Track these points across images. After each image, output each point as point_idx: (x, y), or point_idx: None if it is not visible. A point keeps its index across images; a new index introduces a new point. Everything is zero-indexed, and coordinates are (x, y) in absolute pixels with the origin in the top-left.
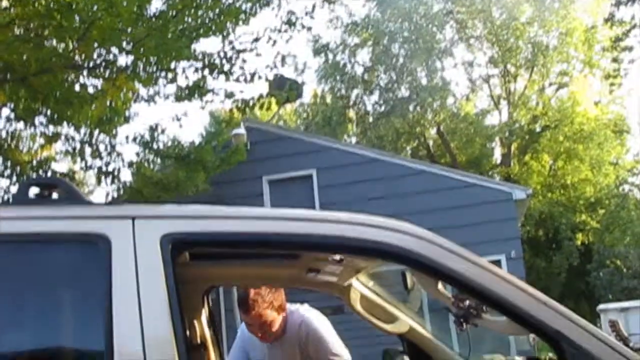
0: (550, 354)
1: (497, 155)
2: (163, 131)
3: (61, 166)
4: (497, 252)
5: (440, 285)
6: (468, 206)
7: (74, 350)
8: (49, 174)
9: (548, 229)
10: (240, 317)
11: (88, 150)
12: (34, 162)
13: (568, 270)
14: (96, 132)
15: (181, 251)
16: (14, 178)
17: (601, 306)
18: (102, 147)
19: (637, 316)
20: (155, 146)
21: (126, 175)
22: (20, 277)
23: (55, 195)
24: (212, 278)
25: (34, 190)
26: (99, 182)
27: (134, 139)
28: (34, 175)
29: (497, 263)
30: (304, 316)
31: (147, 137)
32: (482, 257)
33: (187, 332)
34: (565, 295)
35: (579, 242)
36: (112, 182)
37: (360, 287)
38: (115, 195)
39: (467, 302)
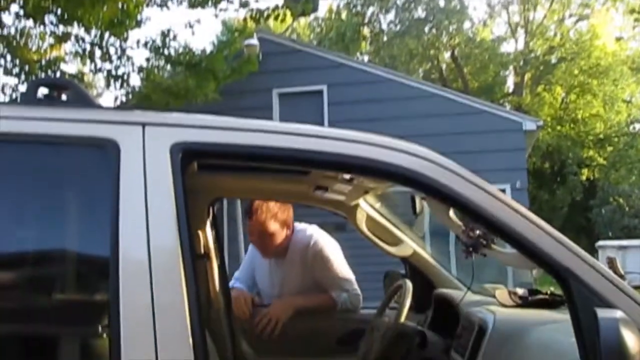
0: (552, 288)
1: (510, 84)
2: (175, 37)
3: (70, 67)
4: (502, 181)
5: (451, 213)
6: (477, 133)
7: (79, 255)
8: (58, 74)
9: (554, 162)
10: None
11: (98, 52)
12: (43, 62)
13: (570, 204)
14: (107, 34)
15: (191, 161)
16: (22, 77)
17: (600, 242)
18: (112, 51)
19: (634, 255)
20: (166, 52)
21: (135, 80)
22: (26, 178)
23: (64, 97)
24: (219, 189)
25: (42, 91)
26: (108, 85)
27: (145, 44)
28: (43, 75)
29: (502, 192)
30: (312, 236)
31: (158, 42)
32: None
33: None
34: (565, 229)
35: (583, 178)
36: (121, 86)
37: (367, 207)
38: (124, 99)
39: (478, 232)
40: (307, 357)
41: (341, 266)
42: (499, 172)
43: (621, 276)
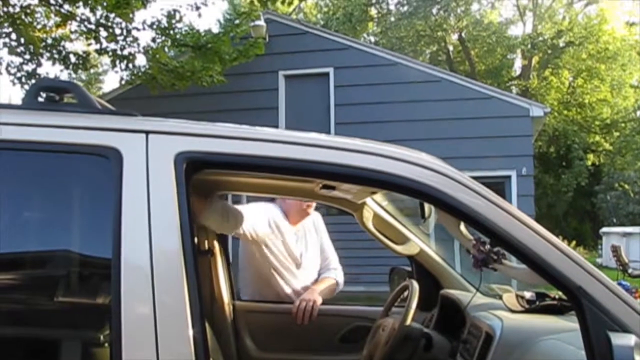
0: (560, 293)
1: (517, 68)
2: (181, 18)
3: (75, 46)
4: (508, 168)
5: (462, 226)
6: (484, 118)
7: (81, 266)
8: (63, 54)
9: (560, 146)
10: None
11: (103, 33)
12: (49, 40)
13: (575, 189)
14: (112, 15)
15: (196, 171)
16: (27, 55)
17: (604, 229)
18: (117, 31)
19: (638, 242)
20: (171, 33)
21: (141, 61)
22: (27, 187)
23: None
24: (224, 185)
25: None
26: (113, 66)
27: (151, 25)
28: (47, 55)
29: (508, 179)
30: (314, 213)
31: (164, 23)
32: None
33: (195, 239)
34: (569, 214)
35: (589, 163)
36: (127, 67)
37: (374, 205)
38: (129, 79)
39: (488, 247)
40: (310, 353)
41: (331, 244)
42: (505, 159)
43: (625, 264)
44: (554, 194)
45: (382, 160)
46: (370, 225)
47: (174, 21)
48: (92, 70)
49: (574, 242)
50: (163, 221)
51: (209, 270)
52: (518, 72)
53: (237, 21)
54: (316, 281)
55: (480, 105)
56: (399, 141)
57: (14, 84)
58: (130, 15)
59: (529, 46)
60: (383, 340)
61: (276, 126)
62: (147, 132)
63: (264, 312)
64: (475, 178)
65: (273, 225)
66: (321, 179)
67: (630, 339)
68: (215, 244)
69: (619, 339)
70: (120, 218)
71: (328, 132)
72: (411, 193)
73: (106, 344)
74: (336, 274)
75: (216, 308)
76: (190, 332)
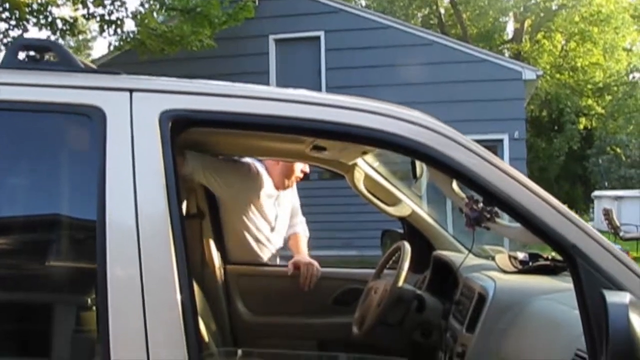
0: (553, 253)
1: (509, 31)
2: None
3: (62, 12)
4: (500, 131)
5: (454, 184)
6: (476, 82)
7: (65, 226)
8: (49, 19)
9: (552, 110)
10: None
11: None
12: (34, 6)
13: (567, 153)
14: None
15: (182, 130)
16: (13, 22)
17: (596, 192)
18: None
19: (630, 206)
20: None
21: (130, 26)
22: (7, 147)
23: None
24: (213, 147)
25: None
26: (101, 31)
27: None
28: (33, 20)
29: (500, 142)
30: None
31: None
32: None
33: (185, 201)
34: (561, 177)
35: (581, 127)
36: (115, 32)
37: (365, 166)
38: (117, 44)
39: (481, 205)
40: (303, 316)
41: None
42: (497, 122)
43: (617, 227)
44: (546, 158)
45: (374, 117)
46: (361, 187)
47: None
48: (80, 37)
49: (565, 206)
50: (148, 182)
51: (199, 233)
52: (510, 36)
53: None
54: (289, 239)
55: (472, 68)
56: None
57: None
58: None
59: (522, 9)
60: (375, 303)
61: None
62: (131, 90)
63: (256, 275)
64: None
65: (254, 180)
66: (311, 136)
67: (624, 297)
68: (206, 206)
69: (613, 297)
70: (104, 179)
71: None
72: (403, 150)
73: (93, 308)
74: (304, 228)
75: (207, 272)
76: (179, 297)
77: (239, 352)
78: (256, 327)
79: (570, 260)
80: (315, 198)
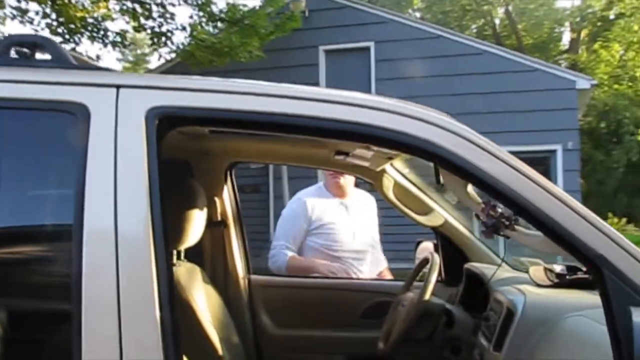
0: None
1: (566, 41)
2: None
3: (117, 25)
4: (553, 142)
5: (470, 188)
6: (528, 92)
7: (42, 227)
8: (102, 33)
9: (610, 121)
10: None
11: (140, 10)
12: (89, 20)
13: (626, 165)
14: None
15: (169, 128)
16: (67, 35)
17: None
18: (153, 7)
19: None
20: (209, 9)
21: (179, 38)
22: None
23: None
24: (235, 153)
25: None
26: (152, 43)
27: (186, 0)
28: (86, 34)
29: (553, 153)
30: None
31: None
32: (538, 146)
33: (206, 209)
34: (620, 190)
35: None
36: (165, 44)
37: (395, 173)
38: (168, 57)
39: (499, 210)
40: (330, 329)
41: None
42: (551, 133)
43: None
44: (604, 170)
45: (378, 114)
46: (391, 195)
47: None
48: (138, 51)
49: (624, 219)
50: (130, 184)
51: (222, 242)
52: (567, 46)
53: None
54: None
55: (524, 78)
56: None
57: None
58: None
59: (578, 19)
60: (402, 316)
61: None
62: (118, 87)
63: (281, 286)
64: (519, 152)
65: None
66: (311, 135)
67: None
68: (229, 214)
69: None
70: (84, 180)
71: None
72: (411, 151)
73: (67, 318)
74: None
75: (230, 282)
76: (157, 312)
77: None
78: (281, 340)
79: (596, 272)
80: None
